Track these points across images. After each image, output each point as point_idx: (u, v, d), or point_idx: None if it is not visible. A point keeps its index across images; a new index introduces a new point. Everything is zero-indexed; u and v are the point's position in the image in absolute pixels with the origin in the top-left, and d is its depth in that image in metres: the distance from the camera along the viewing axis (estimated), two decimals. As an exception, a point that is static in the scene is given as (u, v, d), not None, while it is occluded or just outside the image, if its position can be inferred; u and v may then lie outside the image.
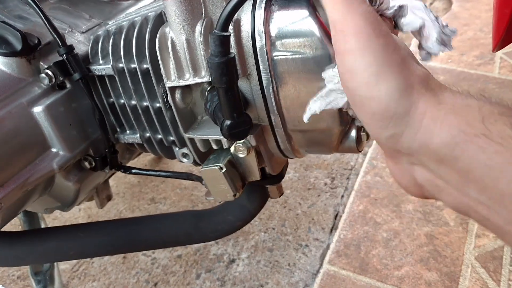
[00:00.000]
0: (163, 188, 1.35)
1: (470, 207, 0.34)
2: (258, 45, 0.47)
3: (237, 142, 0.53)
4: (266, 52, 0.47)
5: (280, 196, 0.66)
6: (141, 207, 1.32)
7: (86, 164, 0.64)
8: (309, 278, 1.09)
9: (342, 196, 1.27)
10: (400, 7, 0.48)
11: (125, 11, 0.69)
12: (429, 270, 1.06)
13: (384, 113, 0.35)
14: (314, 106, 0.45)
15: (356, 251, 1.12)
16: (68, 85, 0.60)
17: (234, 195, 0.56)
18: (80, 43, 0.62)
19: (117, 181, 1.40)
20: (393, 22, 0.49)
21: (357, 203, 1.24)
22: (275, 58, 0.47)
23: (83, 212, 1.32)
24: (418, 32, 0.48)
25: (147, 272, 1.15)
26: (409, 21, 0.48)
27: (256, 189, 0.67)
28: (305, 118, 0.46)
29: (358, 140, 0.52)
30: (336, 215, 1.23)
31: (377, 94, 0.35)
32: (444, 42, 0.48)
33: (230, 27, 0.47)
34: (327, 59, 0.45)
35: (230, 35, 0.43)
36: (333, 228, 1.19)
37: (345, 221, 1.20)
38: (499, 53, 1.84)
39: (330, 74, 0.44)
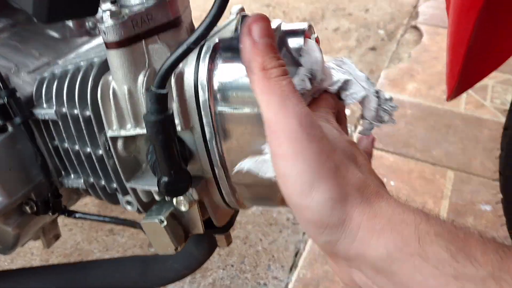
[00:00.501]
0: (122, 219, 1.32)
1: None
2: (201, 99, 0.47)
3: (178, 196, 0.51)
4: (209, 106, 0.46)
5: (228, 245, 0.65)
6: (99, 238, 1.28)
7: (27, 208, 0.62)
8: (267, 319, 1.07)
9: (304, 233, 1.26)
10: (346, 82, 0.48)
11: (77, 49, 0.68)
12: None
13: (317, 222, 0.35)
14: (245, 164, 0.43)
15: (315, 291, 1.10)
16: (9, 129, 0.58)
17: (176, 249, 0.55)
18: (25, 83, 0.60)
19: (76, 209, 1.37)
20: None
21: (319, 240, 1.23)
22: (218, 112, 0.47)
23: (38, 242, 1.28)
24: (361, 103, 0.48)
25: (100, 308, 1.11)
26: (352, 92, 0.48)
27: (204, 237, 0.65)
28: (232, 171, 0.45)
29: None
30: (297, 253, 1.21)
31: (310, 203, 0.35)
32: (381, 118, 0.48)
33: (172, 80, 0.46)
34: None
35: (167, 93, 0.42)
36: (293, 267, 1.18)
37: (305, 259, 1.18)
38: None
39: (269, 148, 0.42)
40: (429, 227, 0.33)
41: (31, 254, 1.26)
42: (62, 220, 1.33)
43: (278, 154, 0.36)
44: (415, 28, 2.34)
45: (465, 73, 0.77)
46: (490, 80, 1.90)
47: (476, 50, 0.76)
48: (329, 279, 1.13)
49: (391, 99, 0.49)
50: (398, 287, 0.33)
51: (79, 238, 1.29)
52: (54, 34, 0.71)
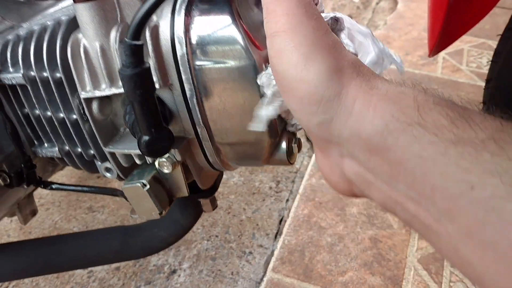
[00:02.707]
0: (101, 196, 1.29)
1: (399, 203, 0.32)
2: (178, 53, 0.44)
3: (161, 157, 0.49)
4: (188, 61, 0.44)
5: (213, 210, 0.63)
6: (77, 216, 1.25)
7: (0, 180, 0.58)
8: (253, 287, 1.06)
9: (287, 200, 1.26)
10: (336, 20, 0.46)
11: (42, 12, 0.64)
12: (373, 275, 1.06)
13: (313, 96, 0.33)
14: (268, 112, 0.42)
15: (300, 257, 1.10)
16: (-26, 96, 0.54)
17: (160, 213, 0.52)
18: (-12, 48, 0.56)
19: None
20: None
21: (302, 207, 1.22)
22: (198, 67, 0.44)
23: (15, 224, 1.24)
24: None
25: (83, 286, 1.09)
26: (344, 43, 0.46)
27: (189, 203, 0.63)
28: (261, 127, 0.43)
29: (289, 152, 0.50)
30: (281, 220, 1.21)
31: (306, 75, 0.33)
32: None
33: (147, 34, 0.43)
34: (253, 69, 0.43)
35: (142, 44, 0.39)
36: (278, 234, 1.17)
37: (289, 226, 1.18)
38: (442, 53, 1.89)
39: (265, 79, 0.41)
40: (427, 97, 0.31)
41: (8, 236, 1.23)
42: (38, 200, 1.30)
43: (275, 31, 0.35)
44: (390, -5, 2.33)
45: (446, 29, 0.77)
46: (465, 45, 1.91)
47: (457, 5, 0.77)
48: (314, 244, 1.13)
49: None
50: (393, 166, 0.31)
51: (57, 217, 1.26)
52: (17, -2, 0.67)
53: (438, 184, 0.28)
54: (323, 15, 0.44)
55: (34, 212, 0.75)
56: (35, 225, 1.23)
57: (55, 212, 1.27)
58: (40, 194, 1.31)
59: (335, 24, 0.46)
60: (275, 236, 1.17)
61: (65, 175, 1.35)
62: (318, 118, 0.34)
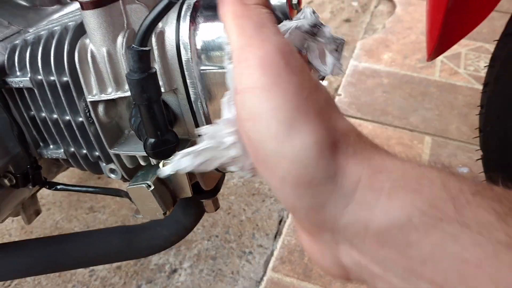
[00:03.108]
0: (102, 196, 1.30)
1: None
2: (183, 58, 0.45)
3: (165, 159, 0.50)
4: (192, 66, 0.45)
5: (216, 210, 0.64)
6: (79, 216, 1.26)
7: (6, 181, 0.60)
8: (253, 286, 1.07)
9: (287, 201, 1.27)
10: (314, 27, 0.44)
11: (48, 17, 0.65)
12: (371, 274, 1.07)
13: (299, 177, 0.27)
14: (183, 163, 0.36)
15: (300, 257, 1.11)
16: (-18, 99, 0.55)
17: (164, 214, 0.54)
18: (-4, 52, 0.58)
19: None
20: None
21: (301, 208, 1.24)
22: (202, 72, 0.45)
23: (16, 224, 1.25)
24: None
25: (84, 285, 1.10)
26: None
27: (191, 203, 0.65)
28: (164, 172, 0.39)
29: None
30: (281, 221, 1.22)
31: (289, 150, 0.27)
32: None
33: (153, 39, 0.44)
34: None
35: (149, 50, 0.40)
36: (277, 234, 1.19)
37: (289, 226, 1.19)
38: (440, 56, 1.90)
39: (212, 130, 0.35)
40: (460, 184, 0.26)
41: (9, 235, 1.23)
42: (39, 200, 1.31)
43: (247, 88, 0.28)
44: (388, -1, 2.35)
45: (444, 33, 0.78)
46: (463, 48, 1.92)
47: (455, 10, 0.78)
48: (313, 245, 1.14)
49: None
50: (415, 262, 0.25)
51: (58, 217, 1.27)
52: (23, 3, 0.68)
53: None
54: (285, 24, 0.38)
55: (37, 212, 0.77)
56: (37, 225, 1.24)
57: (56, 212, 1.28)
58: (41, 194, 1.32)
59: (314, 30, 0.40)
60: (275, 236, 1.18)
61: (66, 175, 1.36)
62: (306, 203, 0.28)
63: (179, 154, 0.36)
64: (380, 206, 0.26)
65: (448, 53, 1.99)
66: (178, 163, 0.37)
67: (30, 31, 0.61)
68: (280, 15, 0.51)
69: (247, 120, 0.29)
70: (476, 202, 0.25)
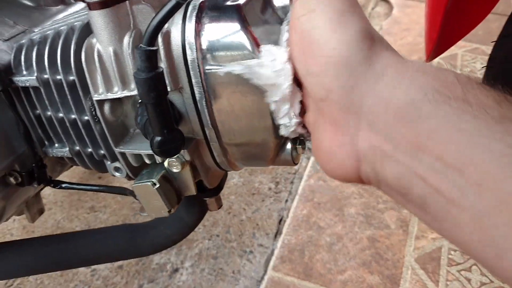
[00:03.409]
0: (103, 196, 1.31)
1: (418, 176, 0.30)
2: (189, 58, 0.46)
3: (171, 157, 0.51)
4: (198, 65, 0.46)
5: (219, 209, 0.65)
6: (80, 216, 1.27)
7: (12, 179, 0.60)
8: (254, 285, 1.08)
9: (286, 201, 1.28)
10: None
11: (53, 17, 0.66)
12: (372, 274, 1.08)
13: (342, 57, 0.32)
14: (235, 67, 0.43)
15: (300, 256, 1.12)
16: (-12, 97, 0.56)
17: (169, 211, 0.54)
18: (2, 51, 0.58)
19: (55, 189, 1.35)
20: None
21: (301, 207, 1.25)
22: (207, 71, 0.46)
23: (18, 223, 1.26)
24: None
25: (86, 284, 1.10)
26: None
27: (194, 202, 0.65)
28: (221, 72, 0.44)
29: (294, 153, 0.52)
30: (280, 220, 1.23)
31: (338, 34, 0.32)
32: None
33: (159, 39, 0.45)
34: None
35: (157, 49, 0.41)
36: (277, 233, 1.19)
37: (289, 226, 1.20)
38: (437, 58, 1.92)
39: (271, 48, 0.42)
40: (469, 79, 0.30)
41: (11, 235, 1.24)
42: (41, 199, 1.31)
43: None
44: (385, 1, 2.36)
45: (443, 35, 0.79)
46: (459, 50, 1.94)
47: (454, 11, 0.79)
48: (314, 243, 1.15)
49: None
50: (422, 136, 0.29)
51: (59, 217, 1.27)
52: (28, 3, 0.69)
53: (475, 157, 0.27)
54: None
55: (41, 211, 0.77)
56: (38, 224, 1.25)
57: (58, 211, 1.28)
58: (43, 194, 1.32)
59: None
60: (275, 236, 1.19)
61: (66, 176, 1.36)
62: (342, 82, 0.33)
63: (238, 61, 0.43)
64: (403, 86, 0.31)
65: (445, 54, 2.00)
66: (233, 66, 0.43)
67: (36, 30, 0.61)
68: (283, 16, 0.52)
69: (303, 15, 0.34)
70: (479, 89, 0.30)
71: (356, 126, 0.33)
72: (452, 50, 1.98)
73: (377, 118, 0.32)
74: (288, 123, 0.44)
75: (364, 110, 0.33)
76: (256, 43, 0.45)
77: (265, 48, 0.42)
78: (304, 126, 0.45)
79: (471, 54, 1.91)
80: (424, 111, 0.30)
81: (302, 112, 0.44)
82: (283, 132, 0.46)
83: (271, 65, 0.41)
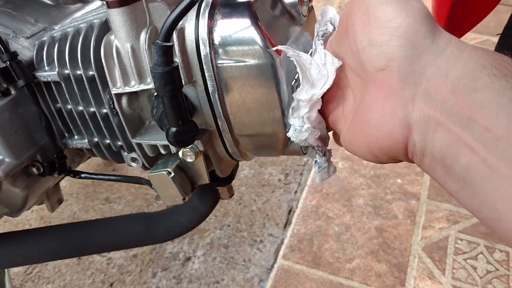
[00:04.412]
0: (117, 187, 1.34)
1: (467, 146, 0.31)
2: (202, 53, 0.48)
3: (185, 147, 0.54)
4: (211, 60, 0.48)
5: (230, 197, 0.68)
6: (95, 207, 1.31)
7: (34, 170, 0.63)
8: (264, 273, 1.11)
9: (296, 192, 1.30)
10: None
11: (72, 15, 0.69)
12: (379, 262, 1.11)
13: (409, 28, 0.34)
14: (289, 51, 0.44)
15: (309, 246, 1.15)
16: (12, 92, 0.59)
17: (184, 199, 0.57)
18: (24, 48, 0.61)
19: (71, 181, 1.39)
20: None
21: (310, 198, 1.27)
22: (220, 65, 0.49)
23: (36, 214, 1.30)
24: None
25: (102, 272, 1.14)
26: None
27: (207, 191, 0.68)
28: (274, 48, 0.46)
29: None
30: (290, 211, 1.25)
31: (407, 7, 0.35)
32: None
33: (174, 35, 0.48)
34: (270, 67, 0.47)
35: (172, 45, 0.44)
36: (287, 223, 1.22)
37: (298, 216, 1.23)
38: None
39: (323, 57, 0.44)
40: None
41: (29, 225, 1.28)
42: (57, 191, 1.35)
43: None
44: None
45: (450, 27, 0.80)
46: (470, 42, 1.94)
47: (460, 4, 0.80)
48: (322, 233, 1.18)
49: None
50: (475, 108, 0.31)
51: (75, 208, 1.31)
52: (47, 1, 0.71)
53: None
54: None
55: (60, 200, 0.80)
56: (55, 215, 1.29)
57: (74, 203, 1.32)
58: (59, 186, 1.36)
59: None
60: (285, 226, 1.22)
61: (81, 168, 1.40)
62: (406, 52, 0.34)
63: (293, 49, 0.44)
64: (462, 59, 0.33)
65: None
66: (288, 49, 0.44)
67: (56, 28, 0.64)
68: (293, 12, 0.54)
69: None
70: None
71: (412, 95, 0.34)
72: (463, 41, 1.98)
73: (435, 87, 0.33)
74: (298, 125, 0.47)
75: (423, 80, 0.34)
76: (266, 38, 0.47)
77: (321, 50, 0.44)
78: (318, 139, 0.48)
79: (482, 46, 1.91)
80: (481, 83, 0.31)
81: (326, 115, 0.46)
82: (293, 137, 0.48)
83: (319, 68, 0.43)
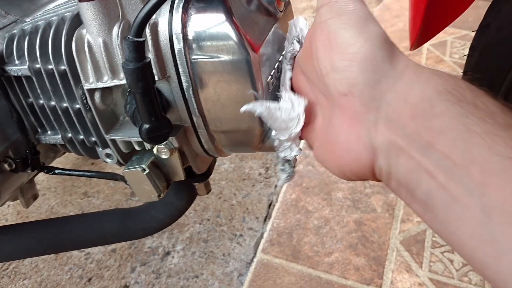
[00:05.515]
0: (96, 182, 1.33)
1: (428, 173, 0.31)
2: (176, 48, 0.48)
3: (159, 144, 0.53)
4: (185, 55, 0.48)
5: (208, 193, 0.67)
6: (73, 201, 1.29)
7: (6, 166, 0.62)
8: (243, 267, 1.11)
9: (276, 186, 1.30)
10: None
11: (44, 7, 0.67)
12: (358, 256, 1.12)
13: (367, 54, 0.35)
14: (256, 108, 0.45)
15: (289, 239, 1.15)
16: (-19, 86, 0.58)
17: (159, 196, 0.57)
18: (-6, 41, 0.60)
19: (48, 175, 1.36)
20: None
21: (290, 192, 1.27)
22: (194, 61, 0.48)
23: (12, 209, 1.28)
24: None
25: (80, 267, 1.13)
26: None
27: (184, 187, 0.67)
28: (242, 109, 0.46)
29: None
30: (270, 204, 1.26)
31: (363, 34, 0.36)
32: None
33: (147, 30, 0.47)
34: (245, 63, 0.47)
35: (144, 40, 0.43)
36: (267, 217, 1.22)
37: (278, 210, 1.23)
38: (426, 44, 1.93)
39: (291, 97, 0.45)
40: (475, 86, 0.33)
41: (6, 220, 1.26)
42: (34, 185, 1.33)
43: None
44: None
45: (426, 24, 0.81)
46: (449, 36, 1.95)
47: (436, 2, 0.80)
48: (302, 227, 1.18)
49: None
50: (434, 133, 0.31)
51: (53, 202, 1.29)
52: (18, -7, 0.70)
53: (481, 158, 0.29)
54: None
55: (35, 196, 0.79)
56: (32, 210, 1.27)
57: (51, 197, 1.30)
58: (36, 180, 1.33)
59: None
60: (265, 220, 1.22)
61: (60, 162, 1.38)
62: (366, 77, 0.35)
63: (260, 101, 0.46)
64: (420, 85, 0.33)
65: (434, 40, 2.02)
66: (255, 106, 0.45)
67: (27, 20, 0.63)
68: (269, 8, 0.54)
69: (331, 18, 0.37)
70: (487, 98, 0.32)
71: (375, 120, 0.35)
72: (442, 36, 2.00)
73: (395, 113, 0.34)
74: (288, 155, 0.48)
75: (383, 105, 0.34)
76: (241, 34, 0.47)
77: (286, 95, 0.45)
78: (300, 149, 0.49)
79: (460, 40, 1.93)
80: (438, 109, 0.31)
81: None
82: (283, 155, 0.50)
83: (288, 112, 0.44)
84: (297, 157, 0.50)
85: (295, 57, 0.49)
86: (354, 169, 0.38)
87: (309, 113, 0.45)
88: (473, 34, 0.85)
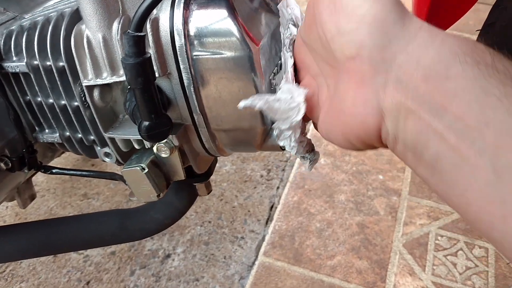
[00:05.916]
0: (95, 183, 1.32)
1: (438, 134, 0.31)
2: (177, 44, 0.47)
3: (159, 142, 0.52)
4: (186, 51, 0.47)
5: (208, 194, 0.66)
6: (73, 203, 1.28)
7: (2, 165, 0.61)
8: (245, 270, 1.10)
9: (278, 188, 1.29)
10: None
11: (43, 4, 0.66)
12: (360, 259, 1.10)
13: (377, 15, 0.33)
14: (256, 102, 0.43)
15: (291, 242, 1.14)
16: (-22, 83, 0.56)
17: (158, 196, 0.56)
18: (-8, 37, 0.59)
19: (48, 176, 1.35)
20: None
21: (292, 194, 1.26)
22: (195, 57, 0.47)
23: (10, 210, 1.27)
24: None
25: (79, 270, 1.12)
26: None
27: (184, 187, 0.66)
28: (241, 105, 0.44)
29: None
30: (272, 207, 1.24)
31: None
32: None
33: (148, 25, 0.46)
34: (247, 60, 0.45)
35: (144, 35, 0.42)
36: (269, 220, 1.21)
37: (280, 212, 1.21)
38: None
39: (288, 87, 0.44)
40: (495, 50, 0.31)
41: (4, 221, 1.25)
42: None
43: None
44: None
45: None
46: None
47: (439, 2, 0.80)
48: (304, 229, 1.17)
49: None
50: (447, 95, 0.30)
51: (52, 204, 1.28)
52: (17, -11, 0.69)
53: (497, 120, 0.28)
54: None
55: (32, 197, 0.78)
56: (31, 211, 1.26)
57: (50, 198, 1.29)
58: (35, 181, 1.33)
59: None
60: (266, 222, 1.20)
61: (60, 163, 1.37)
62: (375, 40, 0.33)
63: (257, 95, 0.44)
64: (434, 46, 0.32)
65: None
66: (254, 101, 0.43)
67: (26, 17, 0.61)
68: (271, 4, 0.53)
69: None
70: (507, 61, 0.31)
71: (384, 82, 0.34)
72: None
73: (406, 75, 0.32)
74: (288, 146, 0.47)
75: (394, 67, 0.33)
76: (244, 30, 0.46)
77: (285, 87, 0.44)
78: (304, 145, 0.48)
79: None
80: (453, 71, 0.30)
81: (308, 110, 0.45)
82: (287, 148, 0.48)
83: (288, 102, 0.43)
84: (311, 141, 0.49)
85: (294, 41, 0.47)
86: (361, 134, 0.37)
87: (313, 86, 0.44)
88: (475, 37, 0.84)
